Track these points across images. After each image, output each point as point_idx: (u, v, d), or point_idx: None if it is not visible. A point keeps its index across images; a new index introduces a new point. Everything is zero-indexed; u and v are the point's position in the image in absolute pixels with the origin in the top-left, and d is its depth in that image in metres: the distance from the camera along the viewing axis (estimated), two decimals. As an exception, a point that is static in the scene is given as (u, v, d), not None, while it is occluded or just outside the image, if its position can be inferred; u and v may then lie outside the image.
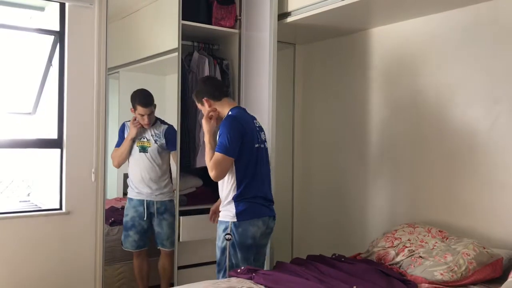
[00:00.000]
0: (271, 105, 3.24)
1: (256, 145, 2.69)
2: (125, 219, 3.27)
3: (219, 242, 2.67)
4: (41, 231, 2.96)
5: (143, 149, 3.23)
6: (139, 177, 3.25)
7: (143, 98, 3.21)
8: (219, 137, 2.63)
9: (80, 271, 3.07)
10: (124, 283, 3.31)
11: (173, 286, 3.21)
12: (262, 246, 2.79)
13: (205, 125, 2.71)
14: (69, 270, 3.04)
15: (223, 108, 2.75)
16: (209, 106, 2.74)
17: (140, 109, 3.17)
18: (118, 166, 3.27)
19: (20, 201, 3.50)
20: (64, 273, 3.02)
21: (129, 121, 3.25)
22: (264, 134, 2.82)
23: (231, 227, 2.62)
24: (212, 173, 2.60)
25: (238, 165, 2.63)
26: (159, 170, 3.26)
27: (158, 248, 3.32)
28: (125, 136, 3.23)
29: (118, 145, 3.25)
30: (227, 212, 2.66)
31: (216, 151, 2.59)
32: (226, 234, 2.63)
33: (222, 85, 2.96)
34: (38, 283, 2.95)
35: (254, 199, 2.66)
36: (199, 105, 2.83)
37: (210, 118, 2.73)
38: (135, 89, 3.26)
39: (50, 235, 2.99)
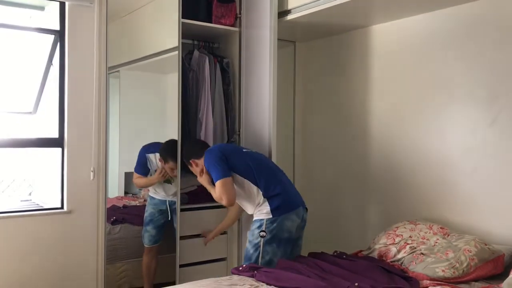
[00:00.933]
0: (272, 103, 3.24)
1: (245, 150, 2.95)
2: (145, 215, 3.38)
3: (252, 238, 2.76)
4: (42, 230, 2.97)
5: (168, 182, 3.36)
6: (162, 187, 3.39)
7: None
8: (209, 172, 2.85)
9: (82, 270, 3.08)
10: (126, 281, 3.31)
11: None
12: (299, 239, 2.87)
13: (202, 181, 2.99)
14: (70, 269, 3.04)
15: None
16: (196, 165, 2.99)
17: (171, 164, 3.26)
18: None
19: (22, 201, 3.50)
20: (66, 272, 3.03)
21: (151, 153, 3.36)
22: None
23: (266, 224, 2.71)
24: (224, 201, 2.75)
25: (244, 174, 2.80)
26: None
27: None
28: (148, 166, 3.36)
29: (138, 170, 3.36)
30: (261, 211, 2.76)
31: (215, 182, 2.76)
32: (260, 231, 2.72)
33: (199, 143, 3.12)
34: (40, 282, 2.96)
35: (282, 190, 2.77)
36: (191, 168, 3.07)
37: (201, 174, 2.98)
38: (168, 140, 3.34)
39: (52, 234, 2.99)
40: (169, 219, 3.37)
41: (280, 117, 3.32)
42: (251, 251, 2.75)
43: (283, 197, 2.74)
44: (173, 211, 3.36)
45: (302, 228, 2.86)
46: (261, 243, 2.72)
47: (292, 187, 2.90)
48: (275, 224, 2.70)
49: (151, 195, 3.41)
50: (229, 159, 2.80)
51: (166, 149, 3.31)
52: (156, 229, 3.37)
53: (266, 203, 2.74)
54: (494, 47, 2.77)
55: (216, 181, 2.74)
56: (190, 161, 3.03)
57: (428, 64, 3.12)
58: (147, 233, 3.38)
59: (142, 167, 3.38)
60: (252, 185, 2.79)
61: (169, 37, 3.34)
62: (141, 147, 3.41)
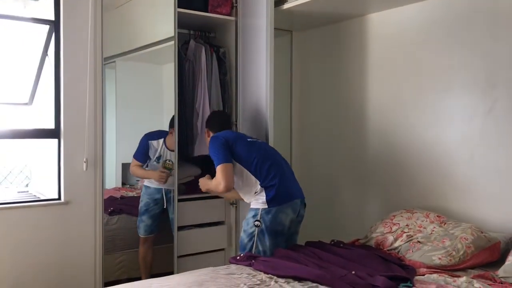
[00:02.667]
0: (269, 93, 3.23)
1: (249, 139, 2.88)
2: (140, 204, 3.38)
3: (247, 227, 2.74)
4: (40, 221, 2.96)
5: (167, 169, 3.35)
6: None
7: None
8: (211, 157, 2.80)
9: (79, 260, 3.08)
10: (124, 272, 3.32)
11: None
12: (293, 234, 2.84)
13: (204, 183, 2.96)
14: (68, 260, 3.04)
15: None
16: (207, 136, 3.02)
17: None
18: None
19: (19, 192, 3.50)
20: (63, 263, 3.03)
21: (154, 140, 3.37)
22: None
23: (261, 214, 2.69)
24: (222, 185, 2.70)
25: (244, 163, 2.77)
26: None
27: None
28: (148, 153, 3.36)
29: (138, 157, 3.36)
30: (258, 200, 2.74)
31: (216, 167, 2.73)
32: (255, 221, 2.70)
33: (223, 121, 3.10)
34: (38, 273, 2.96)
35: (281, 181, 2.72)
36: (204, 135, 3.15)
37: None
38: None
39: (49, 225, 2.99)
40: (164, 207, 3.36)
41: (277, 106, 3.32)
42: (246, 240, 2.74)
43: (281, 189, 2.70)
44: (168, 200, 3.36)
45: (298, 223, 2.83)
46: (256, 232, 2.70)
47: (293, 180, 2.84)
48: (270, 215, 2.68)
49: (146, 184, 3.41)
50: (233, 147, 2.78)
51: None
52: (151, 219, 3.37)
53: (263, 193, 2.72)
54: (491, 36, 2.76)
55: (217, 166, 2.71)
56: (206, 128, 3.11)
57: (425, 53, 3.11)
58: (143, 223, 3.38)
59: (143, 154, 3.36)
60: (250, 174, 2.77)
61: (165, 27, 3.32)
62: (138, 137, 3.40)
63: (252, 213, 2.74)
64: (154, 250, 3.40)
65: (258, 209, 2.72)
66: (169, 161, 3.34)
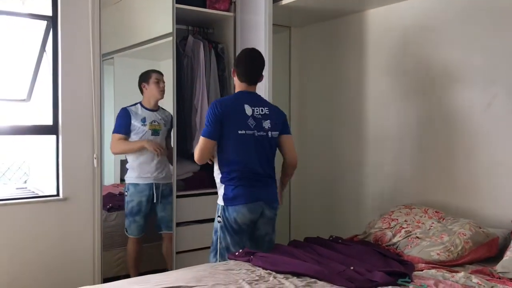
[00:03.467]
0: (267, 89, 3.23)
1: (241, 132, 2.63)
2: (130, 205, 3.25)
3: (215, 222, 2.71)
4: (38, 217, 2.97)
5: (155, 132, 3.26)
6: (150, 159, 3.25)
7: None
8: None
9: (78, 256, 3.09)
10: (123, 268, 3.32)
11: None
12: (265, 235, 2.72)
13: None
14: (67, 256, 3.05)
15: (236, 89, 2.79)
16: (234, 76, 2.78)
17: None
18: (119, 154, 3.30)
19: (17, 188, 3.50)
20: (62, 259, 3.03)
21: (131, 106, 3.24)
22: (270, 123, 2.72)
23: (221, 210, 2.65)
24: (195, 157, 2.67)
25: (222, 148, 2.66)
26: (165, 153, 3.30)
27: (160, 233, 3.34)
28: (131, 121, 3.21)
29: (119, 129, 3.20)
30: (220, 195, 2.69)
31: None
32: (218, 216, 2.67)
33: (253, 71, 2.75)
34: (36, 269, 2.96)
35: (241, 181, 2.62)
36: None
37: None
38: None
39: (48, 222, 2.99)
40: (155, 202, 3.26)
41: (275, 102, 3.31)
42: (213, 235, 2.71)
43: (238, 189, 2.61)
44: (160, 194, 3.27)
45: (266, 224, 2.71)
46: (218, 228, 2.66)
47: (262, 184, 2.68)
48: (226, 213, 2.62)
49: (134, 182, 3.26)
50: (224, 123, 2.62)
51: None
52: (144, 218, 3.27)
53: (222, 189, 2.66)
54: (490, 31, 2.76)
55: (201, 135, 2.65)
56: (233, 68, 2.80)
57: (423, 48, 3.11)
58: (136, 224, 3.25)
59: (124, 126, 3.20)
60: (218, 165, 2.69)
61: (163, 23, 3.31)
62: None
63: (216, 208, 2.71)
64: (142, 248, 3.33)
65: (219, 205, 2.67)
66: (154, 122, 3.25)
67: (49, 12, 3.02)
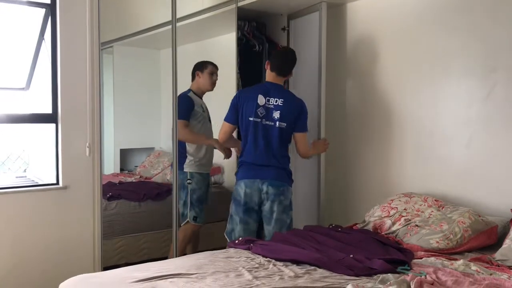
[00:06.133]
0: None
1: (251, 118, 2.96)
2: (198, 193, 3.40)
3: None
4: (38, 206, 2.97)
5: (209, 120, 3.50)
6: (211, 149, 3.51)
7: None
8: None
9: (78, 245, 3.09)
10: (123, 256, 3.34)
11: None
12: (266, 214, 2.97)
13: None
14: (67, 245, 3.05)
15: (266, 79, 3.09)
16: (267, 68, 3.08)
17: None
18: (188, 142, 3.43)
19: (17, 177, 3.50)
20: (62, 248, 3.04)
21: (187, 92, 3.37)
22: (280, 114, 2.95)
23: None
24: (218, 137, 3.12)
25: (241, 132, 3.05)
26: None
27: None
28: (194, 107, 3.37)
29: (184, 116, 3.30)
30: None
31: None
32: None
33: (284, 63, 3.06)
34: (37, 258, 2.97)
35: (246, 163, 3.01)
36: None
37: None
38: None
39: (48, 210, 2.99)
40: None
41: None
42: None
43: (244, 166, 3.01)
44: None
45: (273, 202, 2.95)
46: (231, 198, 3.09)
47: (265, 164, 2.97)
48: (234, 186, 3.06)
49: (199, 171, 3.41)
50: (239, 110, 3.01)
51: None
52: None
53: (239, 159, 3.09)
54: (489, 19, 2.74)
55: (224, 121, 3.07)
56: (267, 61, 3.11)
57: (423, 37, 3.09)
58: (204, 212, 3.43)
59: (187, 113, 3.31)
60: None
61: (163, 11, 3.29)
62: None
63: None
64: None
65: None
66: (206, 109, 3.45)
67: (47, 0, 3.00)
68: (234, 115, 3.02)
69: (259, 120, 2.95)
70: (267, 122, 2.96)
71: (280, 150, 2.99)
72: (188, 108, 3.29)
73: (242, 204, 2.97)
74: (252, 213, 2.99)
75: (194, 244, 3.51)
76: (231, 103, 3.03)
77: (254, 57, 3.60)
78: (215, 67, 3.43)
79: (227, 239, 3.01)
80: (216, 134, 3.20)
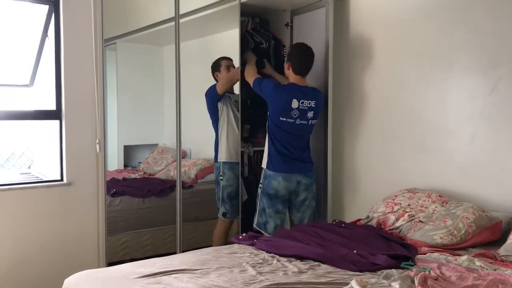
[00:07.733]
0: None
1: (283, 119, 3.10)
2: (229, 189, 3.49)
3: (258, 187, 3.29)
4: (43, 202, 2.98)
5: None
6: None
7: None
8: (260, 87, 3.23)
9: (83, 241, 3.11)
10: (128, 252, 3.35)
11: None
12: (305, 200, 3.20)
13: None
14: (71, 241, 3.07)
15: (289, 79, 3.21)
16: (288, 69, 3.19)
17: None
18: None
19: (21, 174, 3.51)
20: (67, 244, 3.05)
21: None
22: (314, 114, 3.18)
23: (262, 175, 3.21)
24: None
25: (269, 128, 3.19)
26: None
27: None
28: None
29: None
30: (264, 159, 3.22)
31: (254, 80, 3.28)
32: (259, 183, 3.24)
33: (307, 65, 3.19)
34: (41, 254, 2.98)
35: (280, 156, 3.13)
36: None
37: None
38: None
39: (52, 207, 3.01)
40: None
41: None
42: (256, 199, 3.23)
43: (278, 158, 3.11)
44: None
45: (305, 190, 3.19)
46: (259, 193, 3.21)
47: (298, 158, 3.16)
48: (266, 180, 3.14)
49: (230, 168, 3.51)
50: (269, 104, 3.15)
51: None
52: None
53: (267, 152, 3.17)
54: (493, 14, 2.73)
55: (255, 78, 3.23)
56: (288, 63, 3.21)
57: (426, 32, 3.08)
58: (234, 207, 3.50)
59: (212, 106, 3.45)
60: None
61: (166, 7, 3.29)
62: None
63: (262, 173, 3.23)
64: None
65: (262, 168, 3.21)
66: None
67: (51, -4, 3.01)
68: (265, 87, 3.15)
69: (293, 120, 3.11)
70: (302, 122, 3.14)
71: (309, 144, 3.27)
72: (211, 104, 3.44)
73: (279, 197, 3.14)
74: (285, 202, 3.20)
75: (224, 241, 3.51)
76: (270, 88, 3.11)
77: (261, 55, 3.58)
78: (228, 59, 3.49)
79: (260, 231, 3.18)
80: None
